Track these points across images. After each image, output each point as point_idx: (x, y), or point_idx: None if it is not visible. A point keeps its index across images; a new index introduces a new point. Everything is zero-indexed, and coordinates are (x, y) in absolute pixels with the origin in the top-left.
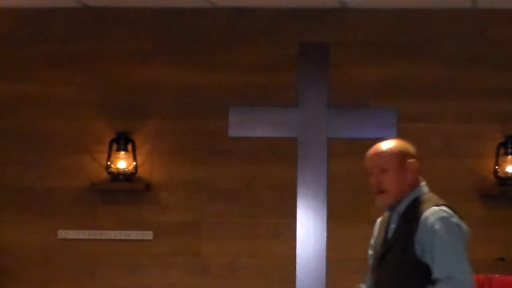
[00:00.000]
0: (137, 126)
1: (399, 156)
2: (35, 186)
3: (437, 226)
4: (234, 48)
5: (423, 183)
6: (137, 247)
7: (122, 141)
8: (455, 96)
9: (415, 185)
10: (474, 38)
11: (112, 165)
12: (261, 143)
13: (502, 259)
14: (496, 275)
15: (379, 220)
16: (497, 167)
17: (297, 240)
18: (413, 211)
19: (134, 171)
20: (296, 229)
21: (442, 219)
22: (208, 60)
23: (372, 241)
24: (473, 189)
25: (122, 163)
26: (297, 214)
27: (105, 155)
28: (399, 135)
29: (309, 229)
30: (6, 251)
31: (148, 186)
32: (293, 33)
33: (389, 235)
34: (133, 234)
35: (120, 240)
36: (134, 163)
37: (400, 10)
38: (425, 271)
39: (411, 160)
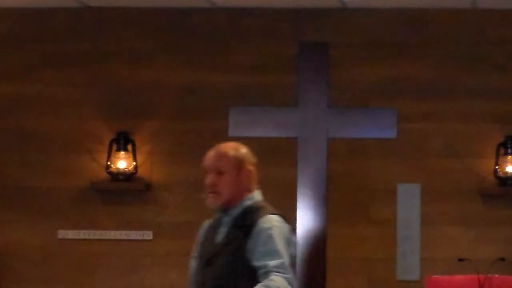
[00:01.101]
0: (137, 126)
1: (238, 161)
2: (35, 186)
3: (270, 231)
4: (234, 48)
5: (257, 192)
6: (137, 247)
7: (122, 141)
8: (455, 96)
9: (249, 191)
10: (474, 38)
11: (112, 165)
12: (261, 143)
13: (502, 259)
14: (496, 275)
15: (206, 222)
16: (497, 167)
17: (297, 240)
18: (247, 217)
19: (134, 171)
20: (296, 229)
21: (274, 227)
22: (208, 60)
23: (196, 244)
24: (473, 189)
25: (122, 163)
26: (297, 214)
27: (105, 155)
28: (399, 135)
29: (309, 229)
30: (6, 251)
31: (148, 186)
32: (293, 33)
33: (219, 238)
34: (133, 234)
35: (120, 240)
36: (134, 163)
37: (400, 10)
38: (254, 273)
39: (250, 167)
